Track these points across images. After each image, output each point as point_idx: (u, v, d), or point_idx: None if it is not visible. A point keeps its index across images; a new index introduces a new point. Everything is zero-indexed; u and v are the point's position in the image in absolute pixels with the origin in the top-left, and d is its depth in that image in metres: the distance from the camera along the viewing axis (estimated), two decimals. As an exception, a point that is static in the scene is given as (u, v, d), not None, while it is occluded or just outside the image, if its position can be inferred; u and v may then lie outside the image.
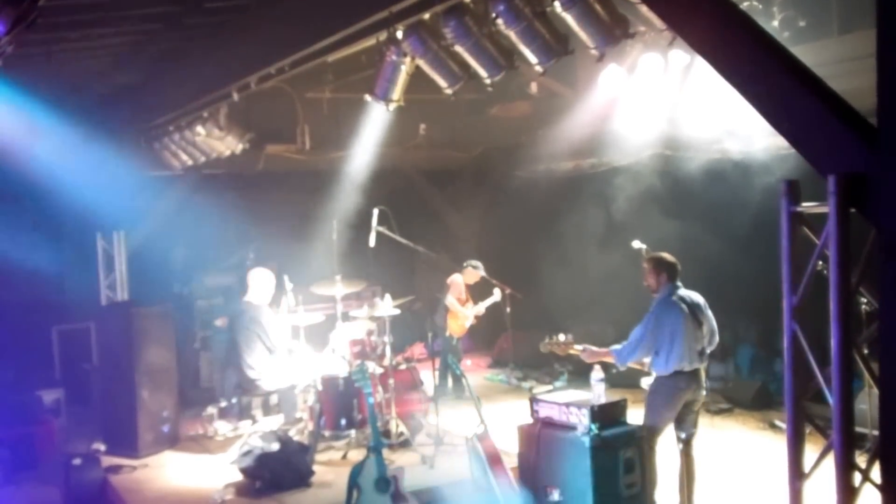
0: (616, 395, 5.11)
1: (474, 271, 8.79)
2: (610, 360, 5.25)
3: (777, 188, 2.85)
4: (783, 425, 6.44)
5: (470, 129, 9.99)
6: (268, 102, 8.34)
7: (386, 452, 5.43)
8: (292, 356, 6.99)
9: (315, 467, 6.08)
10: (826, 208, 2.62)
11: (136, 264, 8.59)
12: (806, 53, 2.92)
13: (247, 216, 9.54)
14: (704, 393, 5.25)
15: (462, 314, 8.68)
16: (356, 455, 6.18)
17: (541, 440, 4.91)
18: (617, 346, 5.23)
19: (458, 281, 8.80)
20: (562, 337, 5.48)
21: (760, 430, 7.22)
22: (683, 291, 5.20)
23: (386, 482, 4.94)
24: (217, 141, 7.26)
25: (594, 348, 5.35)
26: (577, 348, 5.40)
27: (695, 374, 5.10)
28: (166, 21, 5.84)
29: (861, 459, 2.72)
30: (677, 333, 5.01)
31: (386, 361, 6.93)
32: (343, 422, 6.54)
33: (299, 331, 7.19)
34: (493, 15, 4.12)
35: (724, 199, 7.21)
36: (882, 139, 2.52)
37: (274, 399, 7.20)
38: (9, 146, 7.01)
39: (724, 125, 6.86)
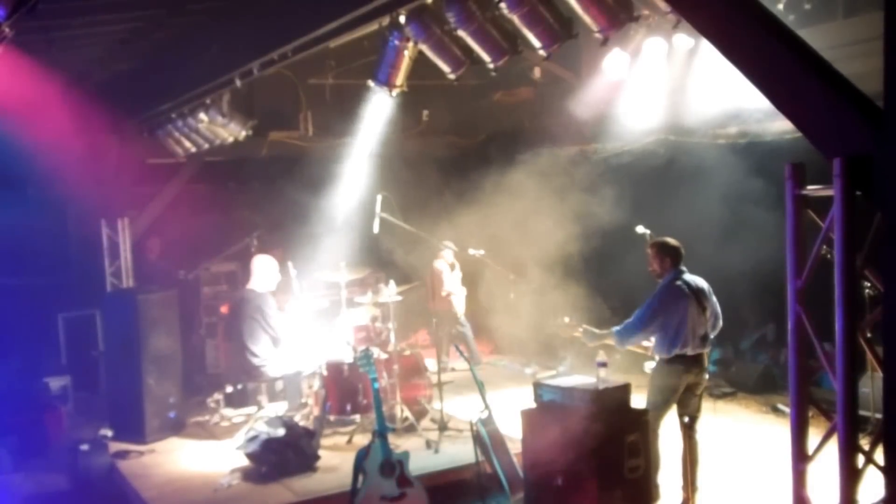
0: (620, 379, 5.12)
1: (447, 253, 8.91)
2: (611, 342, 5.26)
3: (782, 171, 2.85)
4: (786, 409, 6.47)
5: (473, 115, 9.95)
6: (271, 89, 8.31)
7: (391, 437, 5.46)
8: (297, 343, 7.01)
9: (320, 452, 6.13)
10: (831, 191, 2.62)
11: (140, 251, 8.62)
12: (811, 36, 2.90)
13: (250, 203, 9.53)
14: (707, 377, 5.27)
15: (450, 291, 8.86)
16: (361, 440, 6.22)
17: (544, 425, 4.92)
18: (618, 328, 5.24)
19: (438, 267, 8.94)
20: (566, 319, 5.49)
21: (763, 413, 7.25)
22: (688, 276, 5.20)
23: (391, 466, 4.98)
24: (220, 128, 7.25)
25: (595, 330, 5.36)
26: (578, 331, 5.41)
27: (697, 357, 5.12)
28: (168, 7, 5.82)
29: (864, 442, 2.73)
30: (682, 318, 5.02)
31: (390, 347, 6.95)
32: (348, 407, 6.58)
33: (307, 317, 7.22)
34: (496, -1, 4.09)
35: (728, 182, 7.18)
36: (888, 122, 2.51)
37: (279, 385, 7.24)
38: (13, 134, 7.01)
39: (728, 109, 6.83)
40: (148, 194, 9.08)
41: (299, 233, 9.10)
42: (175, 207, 9.14)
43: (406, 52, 4.81)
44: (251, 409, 7.23)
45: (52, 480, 6.30)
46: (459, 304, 9.12)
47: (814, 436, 2.90)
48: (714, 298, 5.26)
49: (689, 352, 5.06)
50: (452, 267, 9.18)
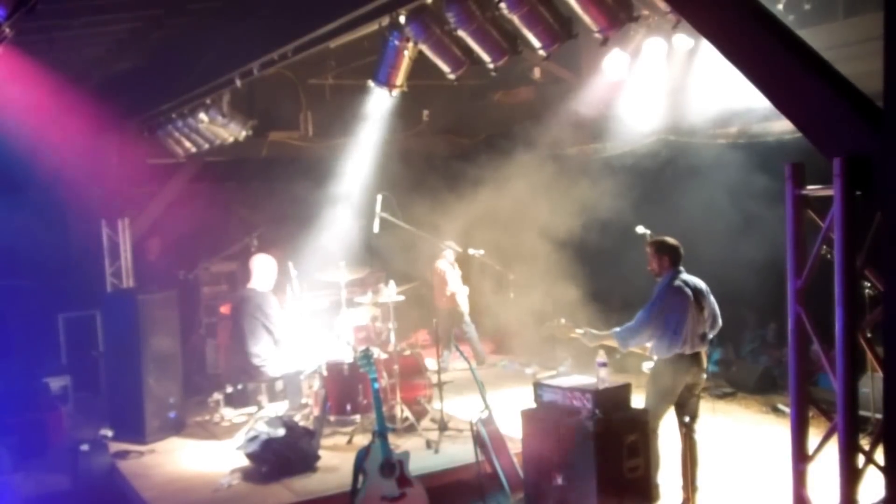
0: (620, 380, 5.12)
1: (449, 252, 8.94)
2: (611, 343, 5.26)
3: (782, 171, 2.85)
4: (786, 409, 6.48)
5: (473, 115, 9.95)
6: (271, 89, 8.31)
7: (391, 437, 5.46)
8: (297, 342, 7.01)
9: (321, 452, 6.13)
10: (831, 191, 2.62)
11: (139, 251, 8.63)
12: (811, 37, 2.90)
13: (250, 203, 9.54)
14: (705, 376, 5.27)
15: (455, 291, 8.94)
16: (361, 440, 6.22)
17: (545, 425, 4.93)
18: (618, 329, 5.24)
19: (441, 267, 8.95)
20: (562, 321, 5.49)
21: (763, 413, 7.25)
22: (686, 276, 5.21)
23: (391, 466, 4.98)
24: (220, 128, 7.25)
25: (595, 331, 5.36)
26: (577, 332, 5.41)
27: (695, 357, 5.12)
28: (168, 7, 5.82)
29: (864, 442, 2.73)
30: (681, 317, 5.02)
31: (390, 347, 6.95)
32: (348, 407, 6.58)
33: (306, 316, 7.22)
34: (496, -1, 4.10)
35: (728, 182, 7.19)
36: (888, 122, 2.51)
37: (279, 385, 7.24)
38: (13, 135, 7.01)
39: (728, 108, 6.83)
40: (148, 194, 9.08)
41: (299, 233, 9.11)
42: (175, 208, 9.14)
43: (406, 52, 4.82)
44: (251, 409, 7.23)
45: (52, 480, 6.30)
46: (464, 302, 9.15)
47: (814, 436, 2.90)
48: (712, 298, 5.26)
49: (688, 351, 5.06)
50: (453, 266, 9.21)
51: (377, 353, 6.56)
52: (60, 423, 7.14)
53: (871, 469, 2.71)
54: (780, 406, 7.22)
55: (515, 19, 4.14)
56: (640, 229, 5.80)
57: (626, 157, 8.53)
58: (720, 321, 5.29)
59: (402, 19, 4.56)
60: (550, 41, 4.20)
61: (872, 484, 2.70)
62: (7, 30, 3.71)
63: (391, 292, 7.17)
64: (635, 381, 5.26)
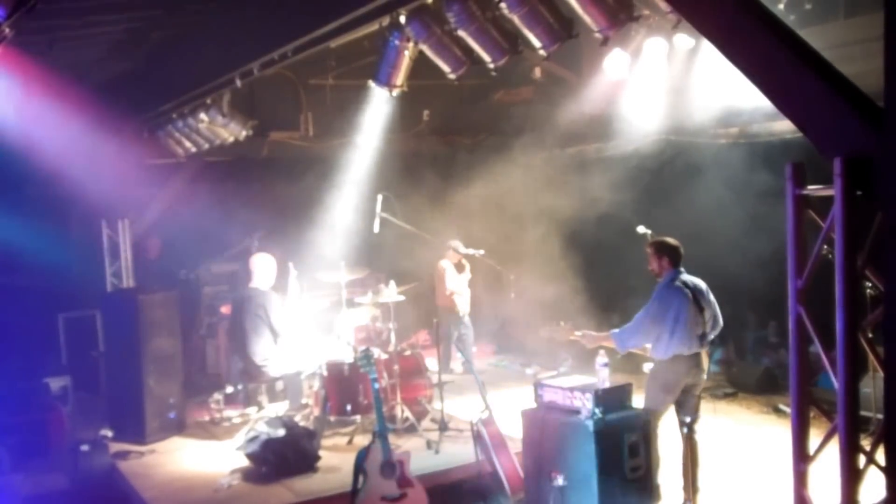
0: (621, 380, 5.12)
1: (454, 252, 8.92)
2: (610, 344, 5.25)
3: (783, 171, 2.84)
4: (787, 409, 6.47)
5: (473, 115, 9.95)
6: (271, 89, 8.31)
7: (391, 437, 5.46)
8: (298, 342, 7.00)
9: (321, 452, 6.13)
10: (832, 191, 2.62)
11: (138, 251, 8.63)
12: (812, 37, 2.89)
13: (251, 203, 9.53)
14: (705, 377, 5.27)
15: (453, 290, 8.89)
16: (362, 440, 6.22)
17: (545, 425, 4.92)
18: (616, 330, 5.24)
19: (442, 266, 8.94)
20: (562, 323, 5.49)
21: (764, 414, 7.25)
22: (686, 276, 5.20)
23: (391, 467, 4.98)
24: (220, 128, 7.25)
25: (593, 333, 5.36)
26: (576, 334, 5.41)
27: (695, 358, 5.11)
28: (168, 7, 5.82)
29: (865, 442, 2.73)
30: (679, 318, 5.02)
31: (391, 347, 6.95)
32: (348, 407, 6.58)
33: (306, 317, 7.22)
34: (497, -1, 4.10)
35: (729, 183, 7.19)
36: (888, 122, 2.51)
37: (279, 385, 7.24)
38: (13, 135, 7.00)
39: (729, 108, 6.83)
40: (148, 195, 9.08)
41: (300, 233, 9.11)
42: (175, 208, 9.14)
43: (406, 53, 4.82)
44: (251, 409, 7.23)
45: (52, 481, 6.30)
46: (463, 303, 9.09)
47: (815, 436, 2.90)
48: (712, 298, 5.25)
49: (686, 351, 5.06)
50: (462, 267, 9.14)
51: (377, 353, 6.56)
52: (60, 423, 7.13)
53: (872, 469, 2.71)
54: (782, 406, 7.21)
55: (516, 19, 4.14)
56: (641, 229, 5.80)
57: (627, 156, 8.54)
58: (721, 321, 5.29)
59: (402, 19, 4.56)
60: (551, 41, 4.20)
61: (873, 484, 2.70)
62: (7, 30, 3.71)
63: (391, 292, 7.17)
64: (635, 382, 5.26)
